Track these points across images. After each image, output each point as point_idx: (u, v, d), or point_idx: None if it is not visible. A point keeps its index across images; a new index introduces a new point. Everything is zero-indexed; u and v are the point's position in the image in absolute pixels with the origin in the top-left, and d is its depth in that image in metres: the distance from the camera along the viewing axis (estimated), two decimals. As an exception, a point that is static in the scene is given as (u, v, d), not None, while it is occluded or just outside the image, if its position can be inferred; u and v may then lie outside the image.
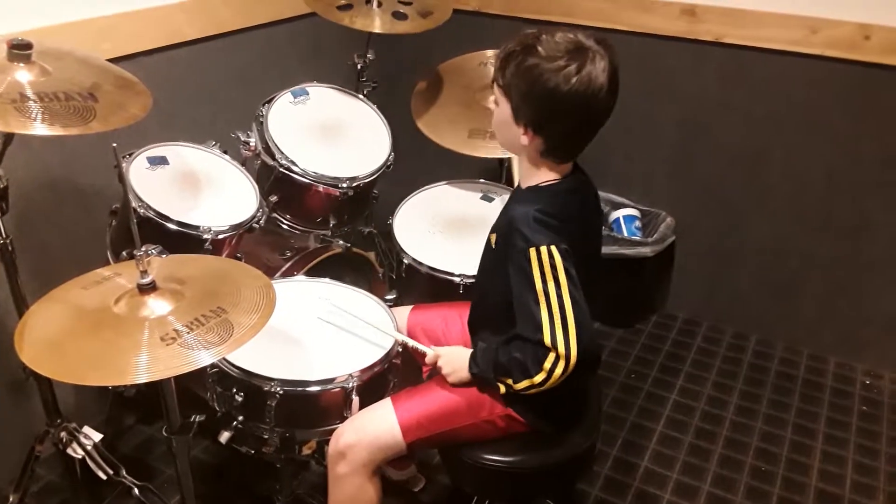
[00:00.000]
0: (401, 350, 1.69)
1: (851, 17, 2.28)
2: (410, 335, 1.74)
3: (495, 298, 1.48)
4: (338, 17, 2.17)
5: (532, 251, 1.33)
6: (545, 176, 1.44)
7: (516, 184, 1.60)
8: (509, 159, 2.23)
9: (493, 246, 1.49)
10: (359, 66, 2.37)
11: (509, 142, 1.45)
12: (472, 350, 1.51)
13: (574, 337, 1.31)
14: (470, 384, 1.51)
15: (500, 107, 1.41)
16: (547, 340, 1.31)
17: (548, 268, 1.32)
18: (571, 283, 1.33)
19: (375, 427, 1.51)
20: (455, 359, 1.52)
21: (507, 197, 2.20)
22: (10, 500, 1.84)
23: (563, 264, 1.32)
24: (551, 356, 1.32)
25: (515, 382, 1.39)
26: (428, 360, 1.58)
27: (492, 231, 1.52)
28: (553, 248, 1.32)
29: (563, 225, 1.36)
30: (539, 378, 1.34)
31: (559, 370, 1.32)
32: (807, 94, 2.44)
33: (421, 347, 1.62)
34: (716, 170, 2.67)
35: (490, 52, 2.40)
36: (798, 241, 2.62)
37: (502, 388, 1.42)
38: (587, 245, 1.48)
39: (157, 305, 1.25)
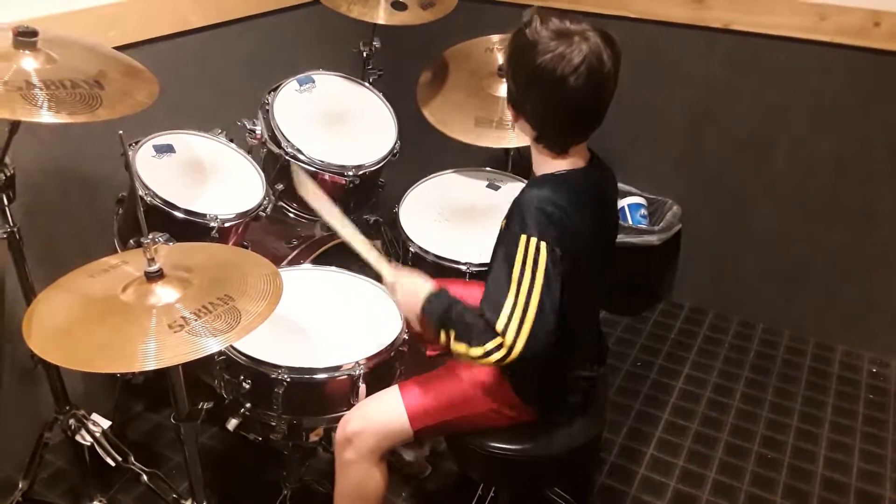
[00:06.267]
0: (407, 338, 1.69)
1: (861, 4, 2.26)
2: None
3: None
4: (336, 4, 2.16)
5: (523, 238, 1.30)
6: (556, 166, 1.41)
7: None
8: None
9: (502, 230, 1.49)
10: (364, 54, 2.37)
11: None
12: (431, 288, 1.43)
13: (525, 337, 1.28)
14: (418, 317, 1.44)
15: None
16: (500, 326, 1.29)
17: (530, 260, 1.30)
18: (546, 286, 1.29)
19: (382, 414, 1.51)
20: (412, 289, 1.45)
21: (512, 185, 2.21)
22: (20, 486, 1.85)
23: (546, 265, 1.29)
24: (496, 341, 1.29)
25: (454, 340, 1.34)
26: (386, 282, 1.53)
27: (504, 217, 1.51)
28: (543, 244, 1.29)
29: (567, 217, 1.33)
30: (475, 352, 1.31)
31: (496, 357, 1.29)
32: (816, 81, 2.42)
33: (383, 269, 1.54)
34: (723, 158, 2.66)
35: (496, 38, 2.38)
36: (805, 229, 2.61)
37: (441, 338, 1.37)
38: (597, 237, 1.46)
39: (164, 293, 1.25)
